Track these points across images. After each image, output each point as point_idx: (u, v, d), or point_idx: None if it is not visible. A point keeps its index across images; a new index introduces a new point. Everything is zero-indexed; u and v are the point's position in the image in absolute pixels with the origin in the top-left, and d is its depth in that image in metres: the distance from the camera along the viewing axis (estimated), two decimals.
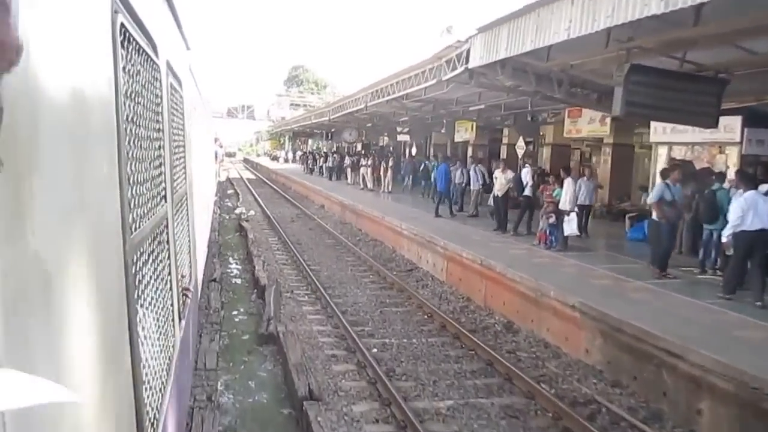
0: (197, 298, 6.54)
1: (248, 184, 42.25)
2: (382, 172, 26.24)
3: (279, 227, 21.03)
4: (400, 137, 35.02)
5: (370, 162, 27.31)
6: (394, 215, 18.05)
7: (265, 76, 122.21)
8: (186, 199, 4.37)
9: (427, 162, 24.28)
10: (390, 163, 26.07)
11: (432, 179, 23.87)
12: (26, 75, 1.02)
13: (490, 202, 16.01)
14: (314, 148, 72.29)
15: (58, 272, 1.19)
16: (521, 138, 22.03)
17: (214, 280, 12.44)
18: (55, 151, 1.20)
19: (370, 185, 27.36)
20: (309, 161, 44.34)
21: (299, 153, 55.84)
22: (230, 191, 38.91)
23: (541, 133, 23.29)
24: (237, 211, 26.64)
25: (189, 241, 4.54)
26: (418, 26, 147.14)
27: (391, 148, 39.24)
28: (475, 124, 25.64)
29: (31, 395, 0.83)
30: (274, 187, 40.46)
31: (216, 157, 27.39)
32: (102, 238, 1.53)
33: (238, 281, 13.69)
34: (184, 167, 4.32)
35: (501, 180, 14.48)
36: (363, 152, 33.09)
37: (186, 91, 4.75)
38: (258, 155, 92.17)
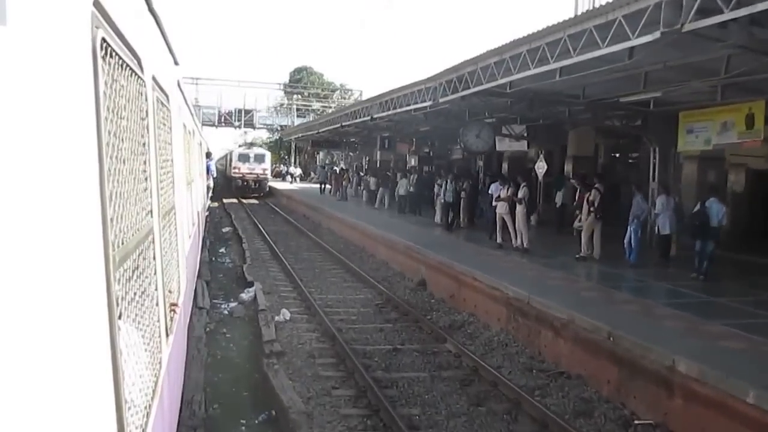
0: (187, 314, 5.97)
1: (252, 216, 28.03)
2: (584, 217, 12.16)
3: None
4: (504, 145, 20.95)
5: (520, 192, 13.18)
6: None
7: (263, 78, 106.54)
8: (174, 214, 4.27)
9: (715, 202, 10.25)
10: (591, 196, 11.95)
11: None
12: (1, 88, 1.06)
13: None
14: (327, 162, 58.22)
15: (36, 289, 1.16)
16: None
17: None
18: (33, 166, 1.19)
19: (521, 240, 13.24)
20: (352, 182, 30.43)
21: (334, 168, 41.15)
22: (226, 229, 24.67)
23: None
24: (246, 295, 12.50)
25: (177, 256, 4.44)
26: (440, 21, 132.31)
27: (479, 164, 25.20)
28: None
29: None
30: (295, 222, 26.19)
31: (208, 171, 21.29)
32: (82, 254, 1.49)
33: None
34: (172, 182, 4.25)
35: None
36: (487, 173, 18.74)
37: (174, 105, 4.65)
38: None
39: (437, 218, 18.91)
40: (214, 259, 17.96)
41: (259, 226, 24.56)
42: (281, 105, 57.70)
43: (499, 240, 13.78)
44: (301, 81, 72.01)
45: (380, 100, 17.99)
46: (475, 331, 10.01)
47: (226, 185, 42.23)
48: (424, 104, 14.02)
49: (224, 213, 31.04)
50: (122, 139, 2.06)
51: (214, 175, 38.41)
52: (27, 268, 1.12)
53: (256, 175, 39.76)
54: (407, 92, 15.23)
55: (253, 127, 62.01)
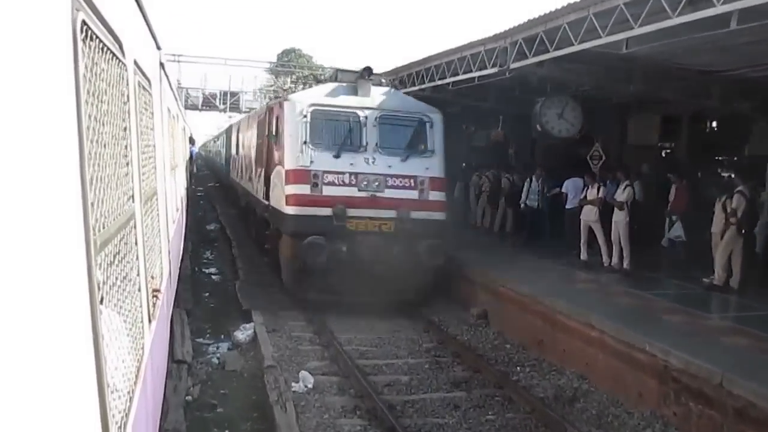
0: (170, 301, 5.71)
1: (237, 209, 23.91)
2: (717, 229, 8.61)
3: None
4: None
5: (622, 193, 9.66)
6: None
7: (250, 55, 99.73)
8: (156, 199, 4.19)
9: None
10: (734, 202, 8.49)
11: None
12: None
13: None
14: None
15: (15, 274, 1.11)
16: None
17: None
18: (11, 149, 1.14)
19: (619, 258, 9.71)
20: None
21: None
22: (212, 226, 20.68)
23: None
24: (242, 334, 8.92)
25: (160, 242, 4.31)
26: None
27: (510, 152, 21.62)
28: None
29: None
30: None
31: (191, 157, 19.49)
32: (62, 239, 1.43)
33: None
34: (155, 167, 4.18)
35: None
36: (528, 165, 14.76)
37: (156, 90, 4.57)
38: None
39: (476, 219, 15.44)
40: (197, 269, 14.27)
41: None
42: (270, 86, 53.70)
43: (584, 256, 10.31)
44: (290, 62, 67.98)
45: (408, 71, 14.33)
46: (602, 411, 6.54)
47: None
48: (485, 72, 10.40)
49: (209, 206, 27.21)
50: (103, 123, 2.03)
51: (194, 155, 34.21)
52: (6, 252, 1.08)
53: (404, 211, 9.54)
54: (453, 58, 11.60)
55: (240, 111, 57.89)
